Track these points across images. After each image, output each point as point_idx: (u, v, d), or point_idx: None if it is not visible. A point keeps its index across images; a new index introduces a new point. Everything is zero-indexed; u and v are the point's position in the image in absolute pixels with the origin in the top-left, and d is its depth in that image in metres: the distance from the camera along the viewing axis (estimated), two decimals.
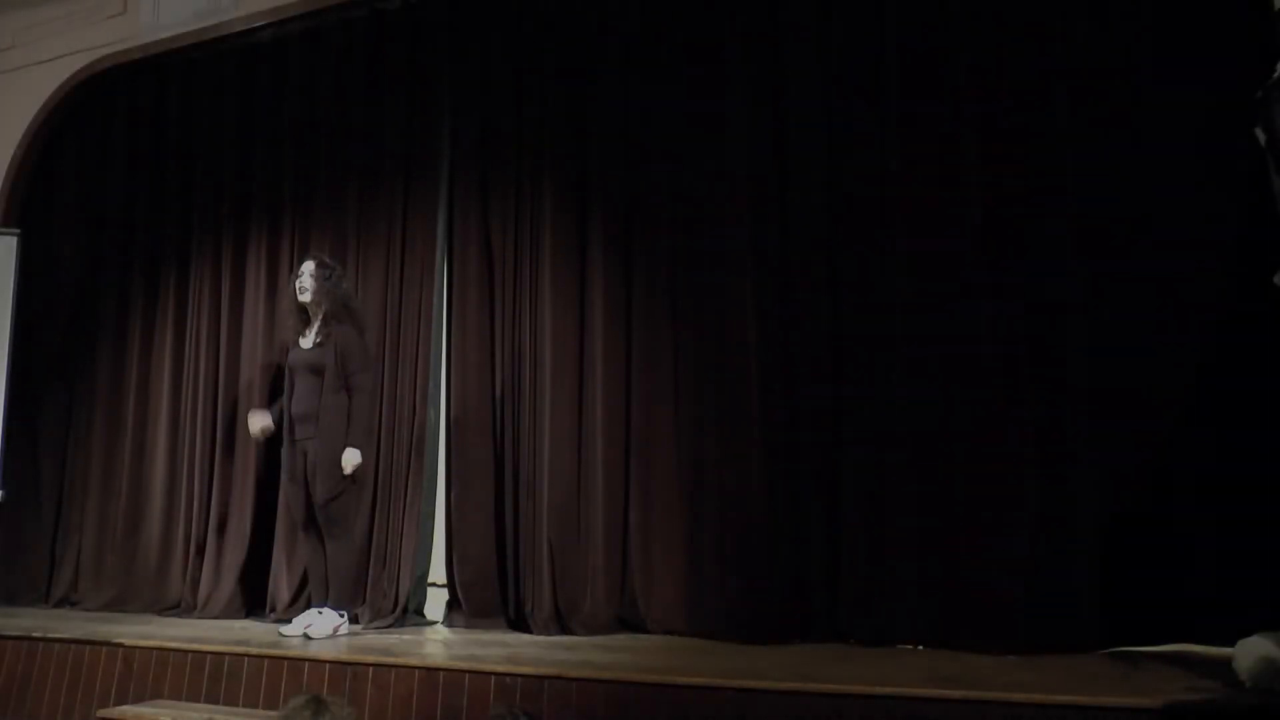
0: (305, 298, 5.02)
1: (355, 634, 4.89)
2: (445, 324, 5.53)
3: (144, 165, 6.62)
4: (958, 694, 3.20)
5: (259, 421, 5.15)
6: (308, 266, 5.11)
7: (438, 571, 5.58)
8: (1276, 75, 3.25)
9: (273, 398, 5.48)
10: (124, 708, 4.20)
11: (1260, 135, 3.31)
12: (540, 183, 5.36)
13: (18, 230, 6.49)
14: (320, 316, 5.03)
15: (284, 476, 5.08)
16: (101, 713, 4.20)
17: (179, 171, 6.49)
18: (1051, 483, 4.17)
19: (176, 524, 6.04)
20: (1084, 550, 4.07)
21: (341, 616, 4.86)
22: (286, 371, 5.11)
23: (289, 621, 5.16)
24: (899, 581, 4.34)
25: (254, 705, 4.14)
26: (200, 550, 5.89)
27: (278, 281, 6.01)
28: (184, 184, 6.46)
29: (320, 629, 4.76)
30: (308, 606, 5.33)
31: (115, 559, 6.14)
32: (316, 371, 4.92)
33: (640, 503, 4.91)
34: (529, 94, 5.47)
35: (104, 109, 6.83)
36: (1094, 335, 4.19)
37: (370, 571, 5.36)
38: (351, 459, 4.87)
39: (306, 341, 5.03)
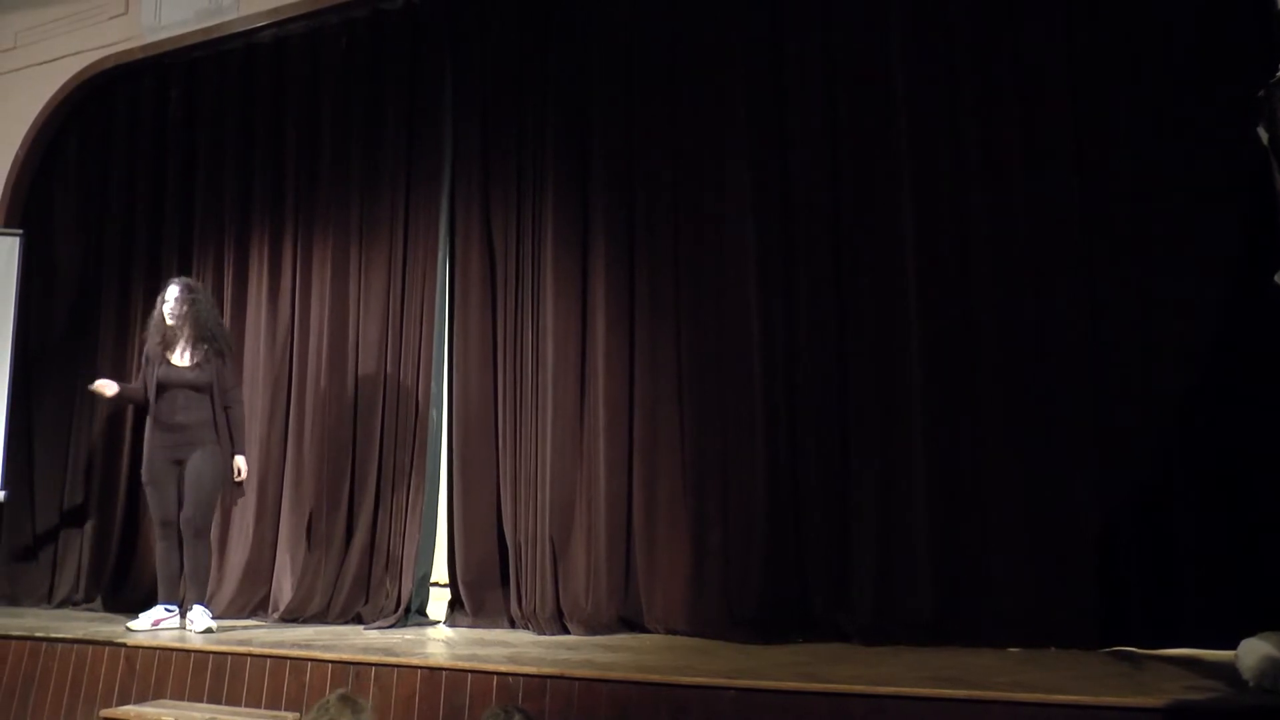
0: (172, 321, 5.11)
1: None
2: (447, 324, 5.53)
3: (146, 165, 6.62)
4: (960, 694, 3.19)
5: (109, 387, 5.18)
6: (173, 291, 5.17)
7: (440, 572, 5.59)
8: (1279, 74, 3.23)
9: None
10: (127, 708, 4.20)
11: (1263, 134, 3.30)
12: (542, 182, 5.36)
13: (20, 231, 6.49)
14: (188, 337, 5.12)
15: (146, 478, 5.07)
16: (104, 713, 4.20)
17: (181, 171, 6.49)
18: (1054, 482, 4.18)
19: None
20: (1088, 550, 4.08)
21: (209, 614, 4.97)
22: (155, 385, 5.06)
23: (294, 622, 5.22)
24: (902, 581, 4.35)
25: (256, 705, 4.14)
26: None
27: (279, 282, 6.02)
28: (186, 184, 6.46)
29: (203, 623, 4.86)
30: (311, 605, 5.37)
31: (117, 560, 6.14)
32: (197, 389, 5.06)
33: (643, 502, 4.90)
34: (531, 93, 5.47)
35: (106, 109, 6.84)
36: (1096, 335, 4.20)
37: (373, 572, 5.37)
38: (243, 465, 5.18)
39: (180, 359, 5.10)
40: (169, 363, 5.10)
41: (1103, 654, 3.90)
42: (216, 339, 5.20)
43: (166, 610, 4.97)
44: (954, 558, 4.29)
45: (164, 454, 5.03)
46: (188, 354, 5.12)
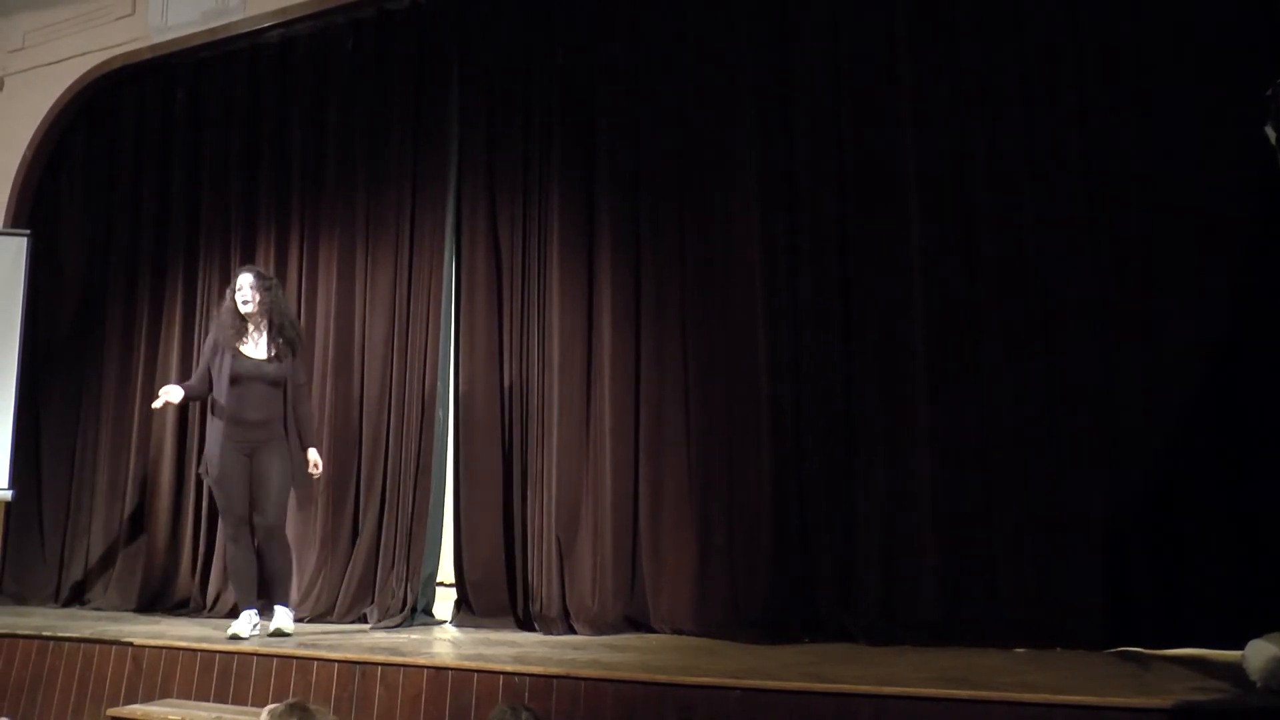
0: (249, 309, 4.88)
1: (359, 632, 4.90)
2: (454, 324, 5.54)
3: (152, 166, 6.64)
4: (965, 694, 3.19)
5: (174, 393, 4.88)
6: (247, 279, 4.93)
7: (446, 571, 5.60)
8: None
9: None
10: (134, 706, 4.22)
11: (1270, 133, 3.29)
12: (548, 182, 5.37)
13: (28, 231, 6.51)
14: (264, 327, 4.93)
15: (215, 475, 4.79)
16: (111, 711, 4.22)
17: (187, 172, 6.51)
18: (1059, 483, 4.17)
19: (185, 523, 6.07)
20: (1093, 550, 4.07)
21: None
22: (227, 378, 4.79)
23: (300, 621, 5.23)
24: (907, 581, 4.34)
25: (263, 705, 4.11)
26: (209, 550, 5.92)
27: (286, 283, 6.01)
28: (192, 184, 6.49)
29: (285, 623, 4.72)
30: (317, 605, 5.38)
31: (124, 559, 6.16)
32: (275, 383, 4.87)
33: (649, 502, 4.90)
34: (537, 93, 5.48)
35: (113, 110, 6.86)
36: (1102, 337, 4.19)
37: (379, 571, 5.38)
38: (317, 458, 5.03)
39: (257, 352, 4.89)
40: (242, 355, 4.84)
41: (1108, 654, 3.89)
42: (291, 330, 5.02)
43: (255, 614, 4.76)
44: (959, 558, 4.28)
45: (235, 449, 4.77)
46: (263, 346, 4.91)
